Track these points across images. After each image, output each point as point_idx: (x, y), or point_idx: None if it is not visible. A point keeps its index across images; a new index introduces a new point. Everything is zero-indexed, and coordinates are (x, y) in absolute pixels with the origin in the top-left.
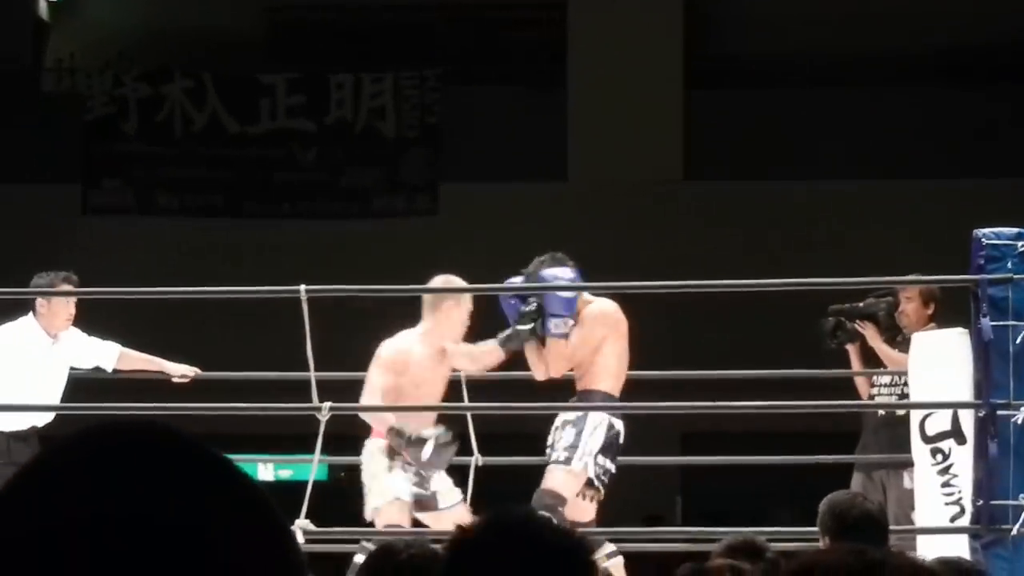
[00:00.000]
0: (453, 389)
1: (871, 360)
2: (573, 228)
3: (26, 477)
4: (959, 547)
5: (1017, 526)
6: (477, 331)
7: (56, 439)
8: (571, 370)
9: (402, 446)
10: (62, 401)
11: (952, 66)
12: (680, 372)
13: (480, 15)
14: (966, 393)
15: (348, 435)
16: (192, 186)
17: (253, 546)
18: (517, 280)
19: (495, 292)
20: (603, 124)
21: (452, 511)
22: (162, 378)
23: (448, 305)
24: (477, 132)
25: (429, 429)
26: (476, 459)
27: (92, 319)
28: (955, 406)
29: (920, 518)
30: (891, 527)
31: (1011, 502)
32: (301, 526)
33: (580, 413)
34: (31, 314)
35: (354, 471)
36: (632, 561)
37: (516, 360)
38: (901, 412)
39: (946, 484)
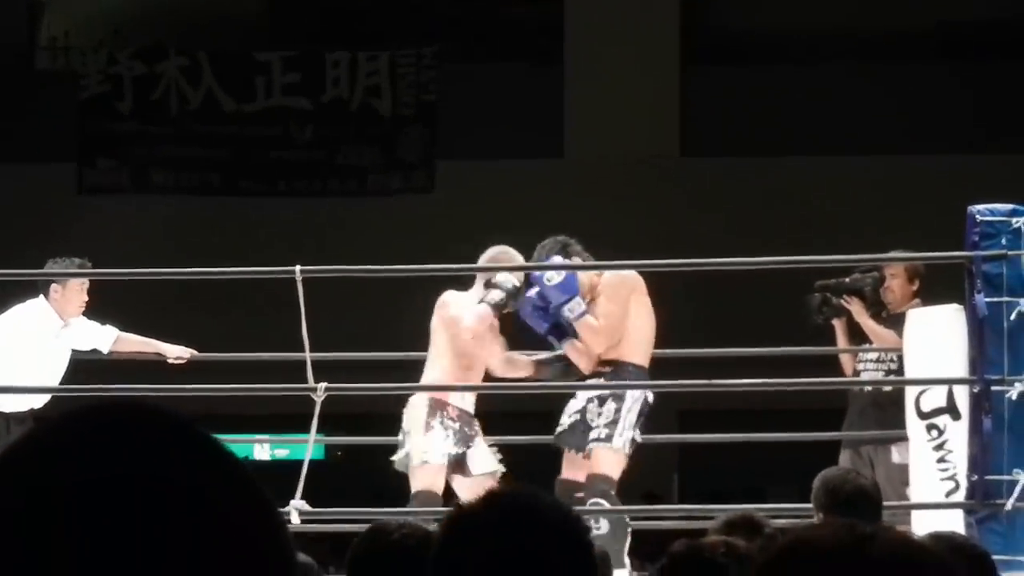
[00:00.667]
0: None
1: (856, 336)
2: (569, 205)
3: (14, 451)
4: (954, 522)
5: (1011, 501)
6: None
7: (45, 418)
8: None
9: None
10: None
11: (949, 42)
12: (681, 351)
13: None
14: (961, 369)
15: (344, 415)
16: (187, 165)
17: (246, 517)
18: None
19: (497, 270)
20: (600, 101)
21: (482, 479)
22: (159, 359)
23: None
24: (473, 110)
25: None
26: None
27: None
28: (950, 382)
29: (915, 494)
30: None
31: (1005, 477)
32: (297, 506)
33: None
34: (42, 297)
35: (349, 450)
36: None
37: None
38: (888, 389)
39: (941, 460)
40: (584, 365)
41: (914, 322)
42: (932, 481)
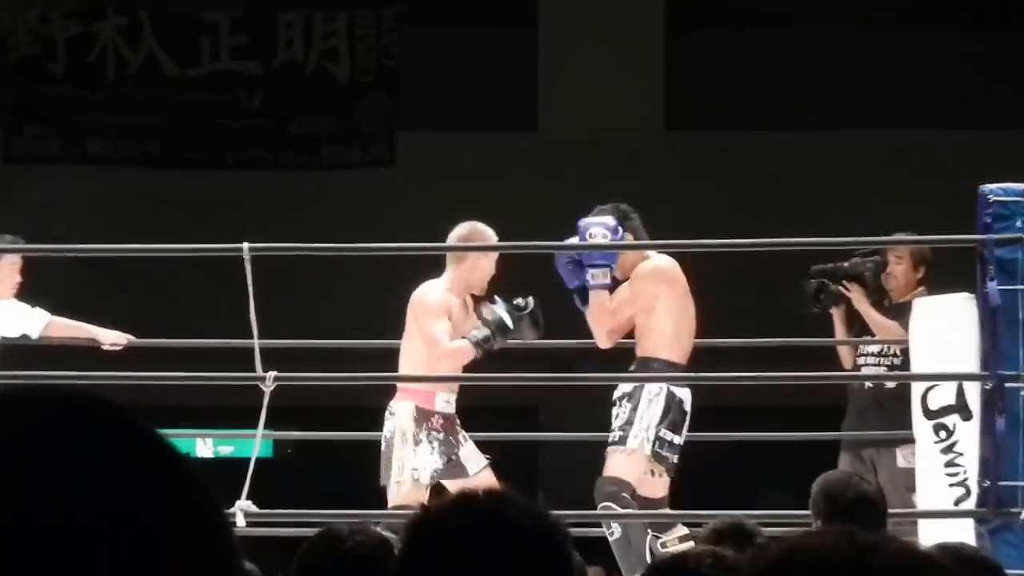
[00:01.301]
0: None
1: (855, 326)
2: (544, 182)
3: None
4: (964, 532)
5: None
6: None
7: None
8: (630, 335)
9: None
10: None
11: (951, 8)
12: None
13: None
14: (972, 364)
15: (294, 407)
16: (126, 133)
17: (185, 531)
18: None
19: (468, 250)
20: (577, 68)
21: (480, 476)
22: (92, 345)
23: (475, 255)
24: (438, 76)
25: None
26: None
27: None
28: (960, 378)
29: (921, 500)
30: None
31: (1020, 483)
32: (243, 507)
33: (636, 384)
34: None
35: (300, 447)
36: None
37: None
38: (890, 386)
39: (950, 463)
40: (598, 337)
41: (920, 312)
42: (940, 487)
